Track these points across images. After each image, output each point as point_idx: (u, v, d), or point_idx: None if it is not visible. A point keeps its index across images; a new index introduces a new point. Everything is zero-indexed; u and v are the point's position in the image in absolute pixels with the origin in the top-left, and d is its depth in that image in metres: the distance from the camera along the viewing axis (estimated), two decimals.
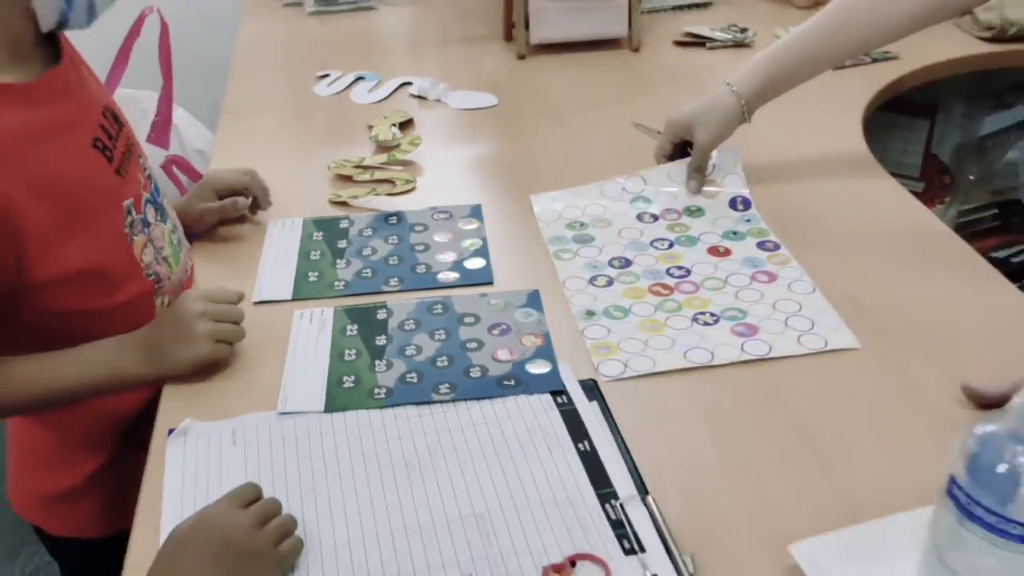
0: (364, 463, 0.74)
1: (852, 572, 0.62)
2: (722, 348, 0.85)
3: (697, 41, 1.54)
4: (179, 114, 1.37)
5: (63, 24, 0.81)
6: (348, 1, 1.74)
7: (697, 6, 1.69)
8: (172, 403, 0.81)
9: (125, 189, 0.86)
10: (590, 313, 0.91)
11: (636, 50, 1.52)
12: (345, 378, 0.83)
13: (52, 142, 0.79)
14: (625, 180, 1.11)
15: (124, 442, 0.93)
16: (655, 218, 1.07)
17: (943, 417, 0.76)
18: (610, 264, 0.99)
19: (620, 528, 0.67)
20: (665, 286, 0.95)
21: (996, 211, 1.73)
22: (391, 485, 0.72)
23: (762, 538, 0.66)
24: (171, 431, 0.78)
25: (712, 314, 0.90)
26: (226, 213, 1.04)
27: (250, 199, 1.06)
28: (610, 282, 0.96)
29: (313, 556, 0.66)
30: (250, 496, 0.67)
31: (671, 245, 1.02)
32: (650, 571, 0.64)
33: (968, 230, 1.71)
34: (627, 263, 0.99)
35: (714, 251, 1.01)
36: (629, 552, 0.65)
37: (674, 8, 1.68)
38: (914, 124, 1.75)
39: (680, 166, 1.11)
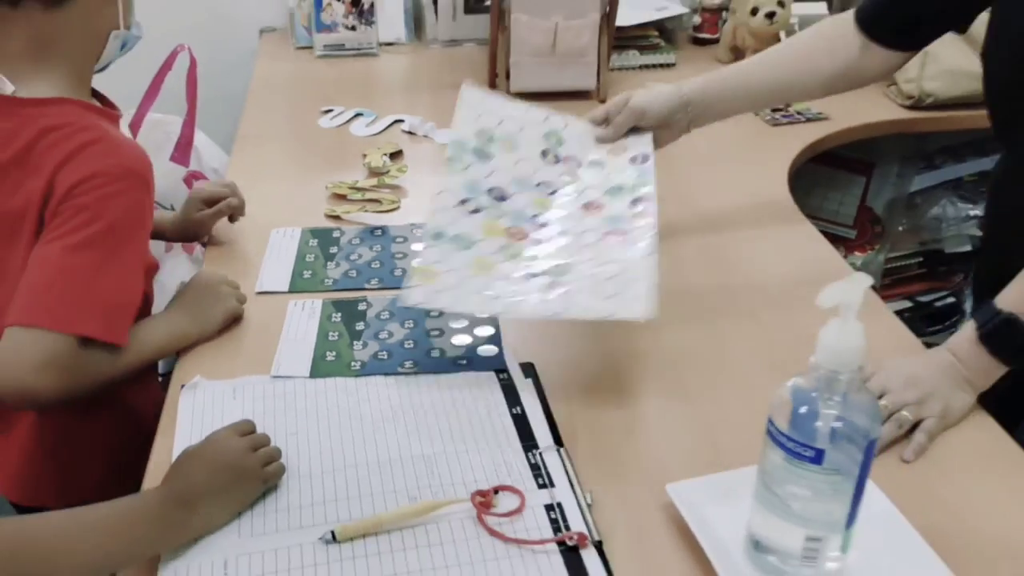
0: (339, 416, 0.92)
1: (712, 507, 0.80)
2: (527, 299, 0.91)
3: None
4: (200, 137, 1.57)
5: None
6: (353, 47, 1.96)
7: (662, 66, 1.90)
8: (186, 365, 1.00)
9: None
10: (438, 235, 0.97)
11: (603, 101, 1.73)
12: (328, 353, 1.02)
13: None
14: (552, 113, 1.12)
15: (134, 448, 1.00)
16: (557, 160, 1.08)
17: None
18: (487, 192, 1.03)
19: (537, 470, 0.85)
20: (521, 231, 0.99)
21: (922, 259, 1.92)
22: (359, 432, 0.90)
23: (647, 479, 0.84)
24: (183, 386, 0.96)
25: (544, 272, 0.94)
26: (221, 214, 1.23)
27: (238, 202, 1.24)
28: (477, 210, 1.00)
29: (292, 481, 0.84)
30: (246, 428, 0.84)
31: (553, 192, 1.05)
32: (556, 500, 0.82)
33: (896, 275, 1.91)
34: (503, 198, 1.03)
35: (588, 206, 1.02)
36: (541, 487, 0.83)
37: (641, 67, 1.89)
38: (852, 179, 1.96)
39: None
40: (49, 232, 0.91)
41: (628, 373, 1.00)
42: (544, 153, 1.09)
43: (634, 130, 1.15)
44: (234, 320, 1.06)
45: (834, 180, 1.97)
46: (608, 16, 1.68)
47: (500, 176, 1.05)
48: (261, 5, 2.09)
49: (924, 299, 1.91)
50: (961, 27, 1.12)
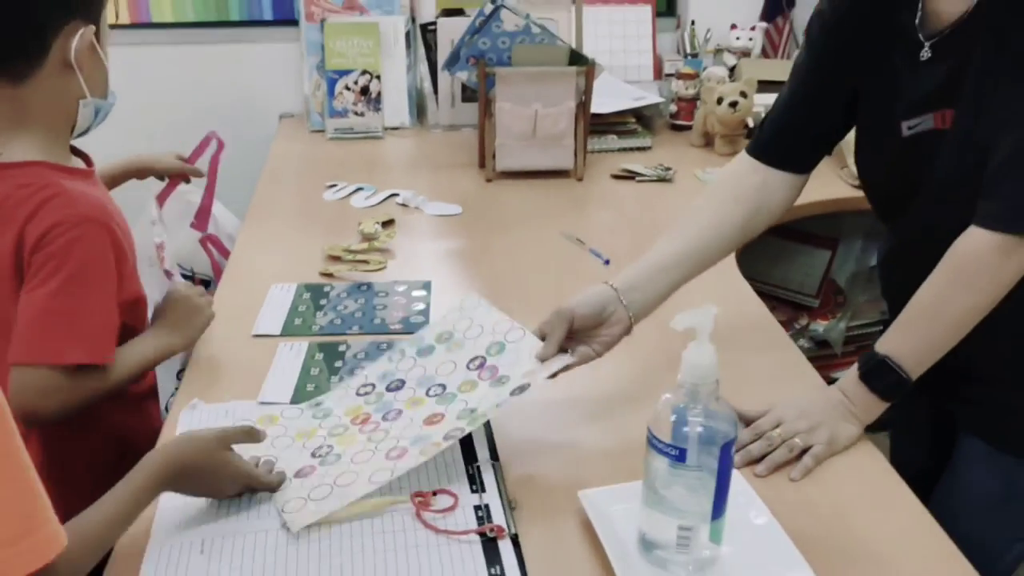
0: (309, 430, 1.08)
1: (616, 510, 0.94)
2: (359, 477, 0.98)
3: (629, 175, 1.94)
4: (217, 207, 1.77)
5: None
6: (361, 130, 2.18)
7: (638, 149, 2.09)
8: (187, 391, 1.17)
9: None
10: (316, 404, 1.11)
11: (580, 179, 1.92)
12: (308, 384, 1.18)
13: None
14: (518, 327, 1.10)
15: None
16: (481, 366, 1.07)
17: None
18: (390, 382, 1.10)
19: (473, 480, 1.00)
20: (368, 418, 1.07)
21: (882, 327, 2.05)
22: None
23: (565, 487, 0.99)
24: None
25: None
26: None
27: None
28: (366, 394, 1.10)
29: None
30: (238, 440, 0.97)
31: (436, 395, 1.07)
32: (484, 502, 0.97)
33: (858, 342, 2.04)
34: (396, 389, 1.10)
35: (430, 419, 1.04)
36: (474, 491, 0.98)
37: (620, 149, 2.09)
38: (817, 253, 2.12)
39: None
40: (28, 282, 1.07)
41: (560, 404, 1.15)
42: (474, 359, 1.08)
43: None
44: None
45: (799, 254, 2.13)
46: (583, 105, 1.88)
47: (415, 372, 1.10)
48: (281, 93, 2.33)
49: None
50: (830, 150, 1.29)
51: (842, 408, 1.08)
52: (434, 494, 0.98)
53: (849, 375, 1.09)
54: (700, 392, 0.83)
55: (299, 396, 1.16)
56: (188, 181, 1.60)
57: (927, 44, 1.09)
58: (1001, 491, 1.16)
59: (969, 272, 1.01)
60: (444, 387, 1.08)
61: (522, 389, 1.02)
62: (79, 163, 1.19)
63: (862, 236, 2.14)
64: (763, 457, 1.04)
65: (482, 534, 0.92)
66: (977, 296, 1.01)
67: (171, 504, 0.95)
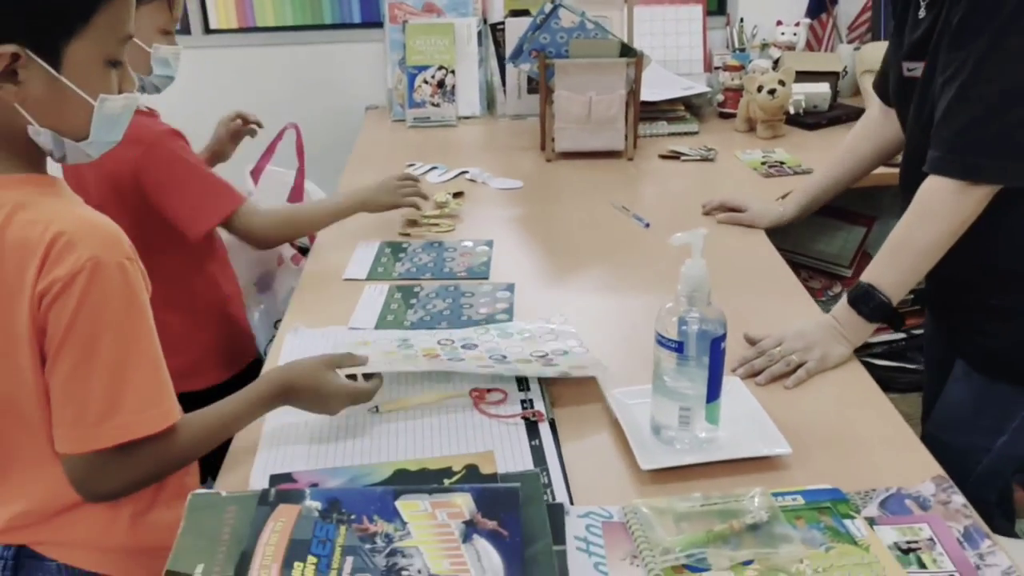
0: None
1: (633, 403, 1.16)
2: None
3: (675, 155, 2.15)
4: (309, 184, 2.05)
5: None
6: (437, 119, 2.44)
7: (686, 133, 2.30)
8: (291, 318, 1.43)
9: None
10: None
11: (630, 159, 2.14)
12: (388, 316, 1.44)
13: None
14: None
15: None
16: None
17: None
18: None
19: (520, 382, 1.23)
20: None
21: (913, 297, 2.20)
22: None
23: (594, 388, 1.21)
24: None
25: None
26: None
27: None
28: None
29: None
30: (345, 363, 1.16)
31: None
32: (529, 398, 1.20)
33: None
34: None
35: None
36: (520, 390, 1.22)
37: (669, 134, 2.30)
38: (853, 229, 2.29)
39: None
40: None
41: (592, 324, 1.38)
42: (540, 352, 1.28)
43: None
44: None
45: (838, 229, 2.30)
46: (633, 92, 2.10)
47: (489, 343, 1.30)
48: (367, 87, 2.62)
49: (918, 332, 2.19)
50: None
51: (834, 331, 1.28)
52: (488, 391, 1.21)
53: (840, 303, 1.29)
54: (695, 298, 1.05)
55: (381, 324, 1.41)
56: (253, 134, 1.91)
57: (922, 2, 1.30)
58: (973, 406, 1.34)
59: (929, 210, 1.21)
60: (505, 356, 1.27)
61: (563, 374, 1.21)
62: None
63: (897, 214, 2.29)
64: (764, 370, 1.25)
65: (526, 418, 1.16)
66: (938, 230, 1.20)
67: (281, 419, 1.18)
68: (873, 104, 1.59)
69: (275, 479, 1.05)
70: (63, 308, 0.92)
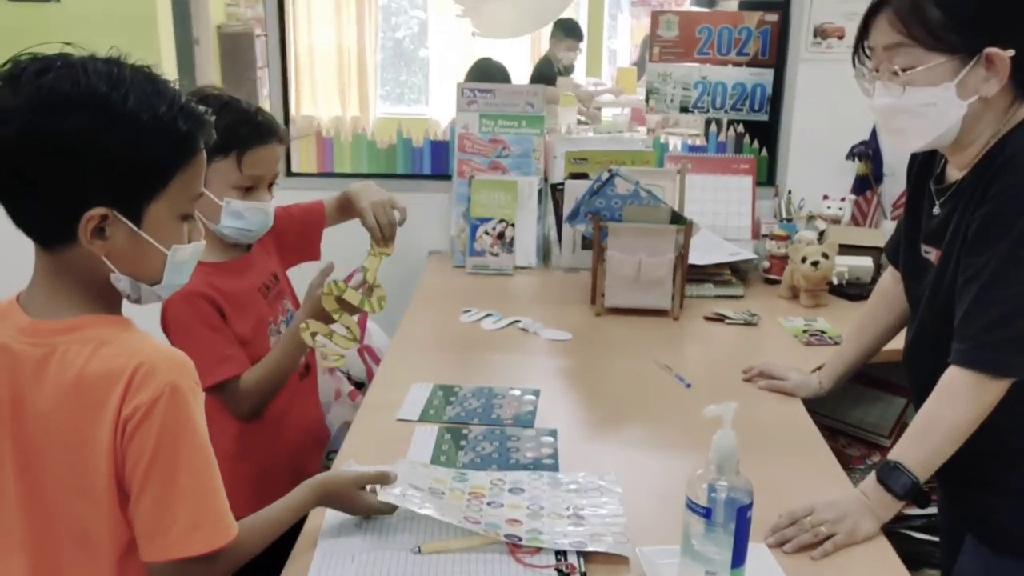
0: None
1: (663, 562, 1.21)
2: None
3: (720, 318, 2.24)
4: (371, 324, 2.19)
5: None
6: (495, 268, 2.59)
7: (731, 297, 2.40)
8: (345, 454, 1.53)
9: (270, 312, 1.73)
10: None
11: (676, 319, 2.24)
12: (440, 456, 1.52)
13: (240, 285, 1.68)
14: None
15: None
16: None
17: None
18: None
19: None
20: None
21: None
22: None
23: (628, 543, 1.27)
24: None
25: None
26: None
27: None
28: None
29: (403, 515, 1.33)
30: (374, 480, 1.31)
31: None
32: (563, 549, 1.26)
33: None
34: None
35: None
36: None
37: (715, 296, 2.40)
38: (894, 400, 2.33)
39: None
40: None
41: (626, 479, 1.44)
42: (574, 507, 1.37)
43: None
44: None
45: (877, 399, 2.34)
46: (681, 256, 2.22)
47: (535, 491, 1.41)
48: (432, 234, 2.80)
49: None
50: None
51: (864, 506, 1.33)
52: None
53: (868, 479, 1.35)
54: (724, 467, 1.12)
55: (435, 464, 1.50)
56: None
57: (937, 199, 1.42)
58: None
59: (954, 398, 1.28)
60: (543, 508, 1.35)
61: (578, 546, 1.26)
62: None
63: None
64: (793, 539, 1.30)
65: (559, 570, 1.22)
66: (962, 417, 1.27)
67: (334, 522, 1.30)
68: (887, 271, 1.70)
69: None
70: (147, 433, 1.02)
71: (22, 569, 1.08)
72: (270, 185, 1.73)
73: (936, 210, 1.42)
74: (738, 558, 1.12)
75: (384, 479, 1.32)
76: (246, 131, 1.66)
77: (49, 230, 1.03)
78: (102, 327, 1.07)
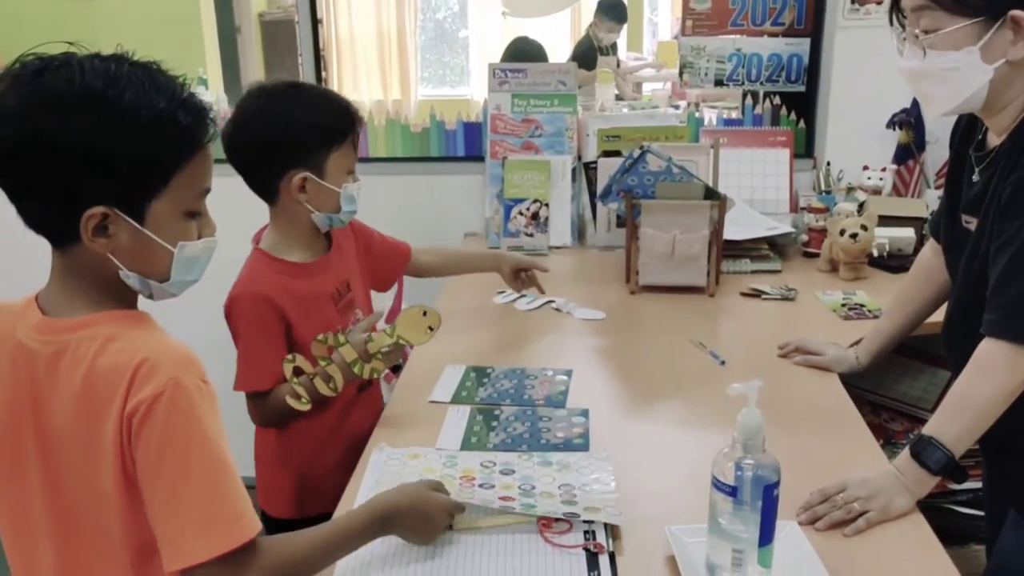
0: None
1: (691, 540, 1.21)
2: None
3: (756, 294, 2.21)
4: (404, 305, 2.21)
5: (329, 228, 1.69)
6: (530, 248, 2.59)
7: (769, 272, 2.37)
8: (378, 436, 1.55)
9: (338, 319, 1.71)
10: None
11: (712, 295, 2.22)
12: (472, 438, 1.54)
13: (313, 289, 1.68)
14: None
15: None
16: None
17: None
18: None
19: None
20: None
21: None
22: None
23: (657, 522, 1.27)
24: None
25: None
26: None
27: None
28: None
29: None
30: (441, 487, 1.27)
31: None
32: (592, 528, 1.26)
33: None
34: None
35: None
36: (585, 521, 1.28)
37: (752, 272, 2.37)
38: (938, 372, 2.28)
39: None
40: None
41: (654, 461, 1.44)
42: (567, 485, 1.36)
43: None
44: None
45: (922, 372, 2.30)
46: (716, 232, 2.19)
47: (526, 471, 1.41)
48: (466, 216, 2.81)
49: None
50: None
51: (897, 482, 1.31)
52: (556, 520, 1.29)
53: (902, 454, 1.33)
54: (750, 445, 1.11)
55: (466, 445, 1.51)
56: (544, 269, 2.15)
57: (976, 166, 1.39)
58: None
59: (987, 370, 1.25)
60: (534, 487, 1.35)
61: (572, 515, 1.27)
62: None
63: None
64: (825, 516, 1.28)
65: (587, 549, 1.22)
66: (996, 390, 1.24)
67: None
68: (928, 244, 1.67)
69: None
70: (151, 431, 0.98)
71: (49, 561, 1.10)
72: None
73: (976, 177, 1.39)
74: (766, 536, 1.12)
75: (443, 488, 1.27)
76: (353, 114, 1.69)
77: (56, 229, 1.03)
78: (113, 323, 1.06)
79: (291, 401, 1.52)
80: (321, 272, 1.72)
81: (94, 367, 1.02)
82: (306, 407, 1.52)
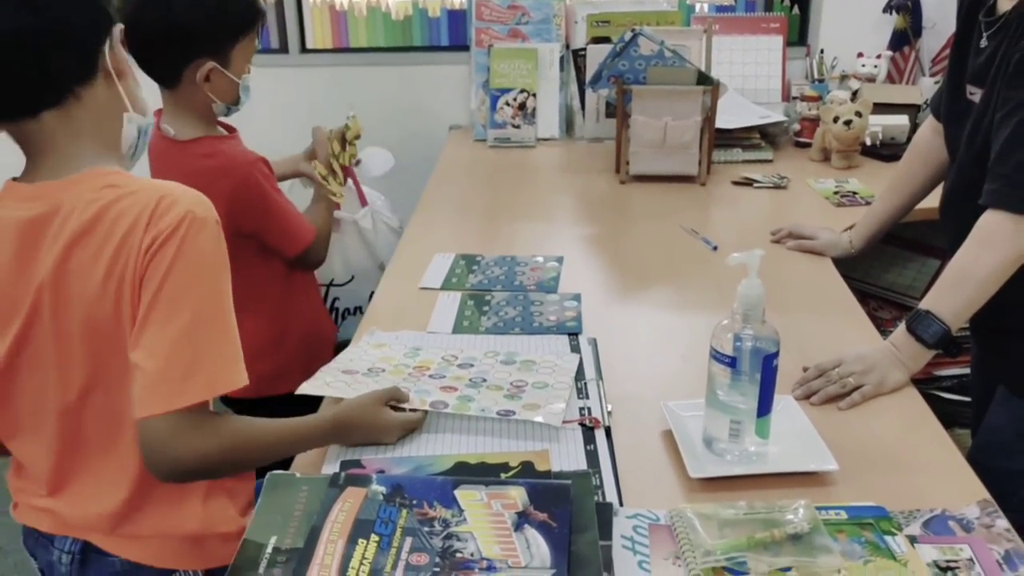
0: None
1: (687, 415, 1.21)
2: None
3: (748, 182, 2.18)
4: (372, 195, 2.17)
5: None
6: (517, 141, 2.53)
7: (761, 161, 2.33)
8: (368, 322, 1.52)
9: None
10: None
11: (703, 184, 2.18)
12: (464, 322, 1.51)
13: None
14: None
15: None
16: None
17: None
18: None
19: (580, 390, 1.30)
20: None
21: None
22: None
23: (651, 399, 1.26)
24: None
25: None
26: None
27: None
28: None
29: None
30: (396, 397, 1.22)
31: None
32: (588, 405, 1.26)
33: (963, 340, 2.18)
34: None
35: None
36: (580, 398, 1.27)
37: (743, 161, 2.33)
38: (927, 261, 2.28)
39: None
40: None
41: (650, 338, 1.43)
42: (521, 381, 1.30)
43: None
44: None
45: (911, 261, 2.29)
46: (708, 119, 2.14)
47: (485, 367, 1.35)
48: (451, 108, 2.73)
49: None
50: None
51: (893, 356, 1.30)
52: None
53: (898, 329, 1.32)
54: (750, 316, 1.09)
55: (457, 329, 1.49)
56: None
57: (985, 31, 1.34)
58: (1014, 430, 1.34)
59: (987, 242, 1.23)
60: (484, 380, 1.30)
61: (505, 415, 1.21)
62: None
63: None
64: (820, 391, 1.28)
65: (583, 423, 1.21)
66: (996, 261, 1.22)
67: None
68: (926, 123, 1.63)
69: (345, 464, 1.13)
70: (163, 257, 1.01)
71: (52, 437, 1.13)
72: None
73: (984, 43, 1.34)
74: (764, 407, 1.11)
75: (399, 395, 1.22)
76: (260, 5, 1.67)
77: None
78: (109, 176, 1.06)
79: (333, 198, 1.92)
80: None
81: (108, 211, 1.03)
82: (341, 199, 1.96)
